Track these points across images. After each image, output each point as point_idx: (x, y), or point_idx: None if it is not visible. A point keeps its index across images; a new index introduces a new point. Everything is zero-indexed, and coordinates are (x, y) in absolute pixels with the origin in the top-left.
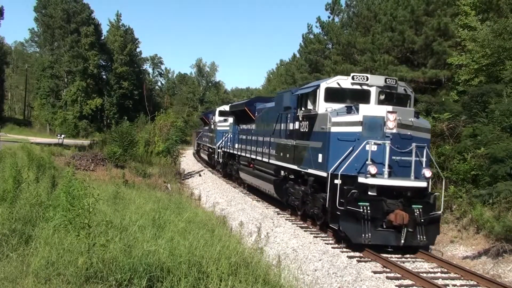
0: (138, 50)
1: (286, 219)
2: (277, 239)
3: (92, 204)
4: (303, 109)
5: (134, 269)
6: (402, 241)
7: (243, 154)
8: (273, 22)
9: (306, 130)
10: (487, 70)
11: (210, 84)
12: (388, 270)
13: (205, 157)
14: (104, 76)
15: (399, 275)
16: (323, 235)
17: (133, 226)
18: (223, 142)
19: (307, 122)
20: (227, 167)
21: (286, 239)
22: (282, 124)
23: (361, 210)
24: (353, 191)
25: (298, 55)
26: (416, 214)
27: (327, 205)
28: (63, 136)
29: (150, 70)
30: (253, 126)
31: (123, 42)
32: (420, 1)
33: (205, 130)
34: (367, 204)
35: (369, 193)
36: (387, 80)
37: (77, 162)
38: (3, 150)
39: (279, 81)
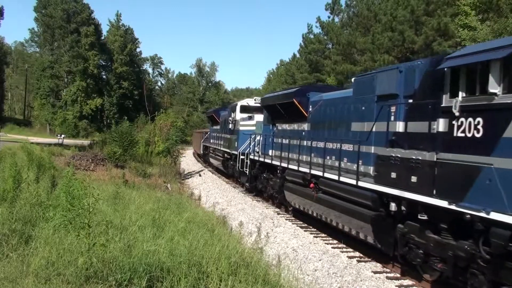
0: (138, 50)
1: (286, 219)
2: (277, 239)
3: (92, 204)
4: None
5: (134, 269)
6: None
7: (292, 166)
8: (273, 22)
9: (479, 135)
10: None
11: (210, 84)
12: (388, 270)
13: (217, 164)
14: (104, 76)
15: (399, 275)
16: (322, 235)
17: (133, 226)
18: (250, 147)
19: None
20: (258, 181)
21: (286, 239)
22: (380, 124)
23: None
24: None
25: (298, 55)
26: None
27: None
28: (63, 136)
29: (150, 70)
30: (306, 126)
31: (123, 42)
32: (420, 1)
33: (215, 131)
34: None
35: None
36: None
37: (77, 162)
38: (3, 150)
39: (279, 81)
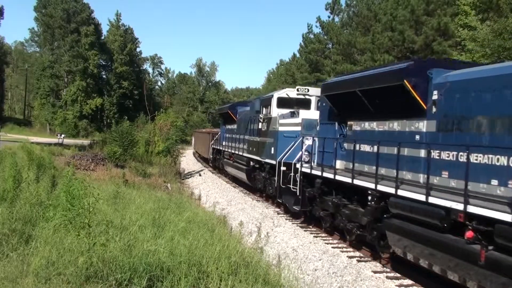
0: (138, 50)
1: (286, 219)
2: (277, 239)
3: (92, 204)
4: None
5: (134, 269)
6: None
7: (408, 194)
8: (273, 22)
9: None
10: None
11: (210, 84)
12: (388, 270)
13: (238, 174)
14: (104, 76)
15: (399, 275)
16: (322, 235)
17: (133, 225)
18: (303, 156)
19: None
20: (315, 205)
21: (286, 239)
22: None
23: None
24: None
25: (298, 55)
26: None
27: None
28: (63, 136)
29: (150, 70)
30: (424, 126)
31: (123, 42)
32: (420, 1)
33: (230, 131)
34: None
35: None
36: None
37: (77, 162)
38: (3, 150)
39: (279, 81)
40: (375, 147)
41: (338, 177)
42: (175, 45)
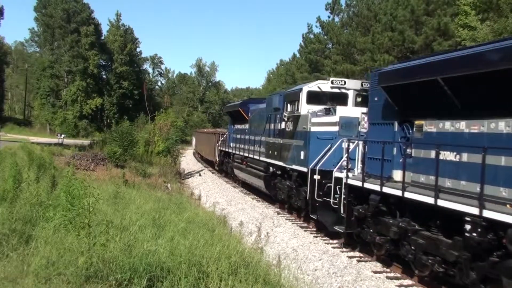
0: (138, 50)
1: (286, 219)
2: (277, 239)
3: (92, 204)
4: None
5: (134, 269)
6: None
7: None
8: (273, 22)
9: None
10: None
11: (210, 84)
12: (388, 270)
13: (252, 181)
14: (104, 76)
15: (399, 275)
16: (322, 235)
17: (133, 225)
18: (348, 164)
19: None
20: (367, 227)
21: (286, 239)
22: None
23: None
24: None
25: (298, 55)
26: None
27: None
28: (63, 136)
29: (150, 70)
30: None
31: (123, 42)
32: (420, 1)
33: (241, 131)
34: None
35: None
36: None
37: (77, 162)
38: (3, 150)
39: (279, 81)
40: (469, 156)
41: (410, 195)
42: (175, 45)
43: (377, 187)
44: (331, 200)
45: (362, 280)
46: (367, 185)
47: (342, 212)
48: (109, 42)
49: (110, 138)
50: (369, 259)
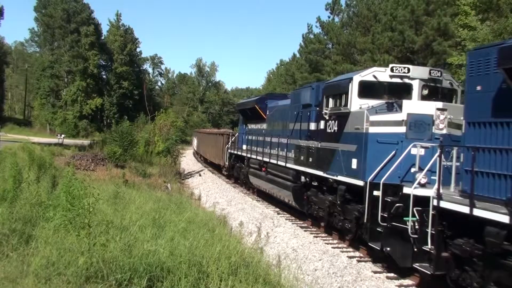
0: (138, 50)
1: (286, 219)
2: (277, 239)
3: (92, 204)
4: None
5: (134, 269)
6: None
7: None
8: (273, 22)
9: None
10: None
11: (210, 84)
12: (388, 270)
13: (276, 192)
14: (104, 76)
15: (399, 275)
16: (322, 235)
17: (133, 226)
18: (439, 177)
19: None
20: (499, 276)
21: (286, 239)
22: None
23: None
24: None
25: (298, 55)
26: None
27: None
28: (63, 136)
29: (150, 70)
30: None
31: (123, 42)
32: (420, 1)
33: (257, 132)
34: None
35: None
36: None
37: (77, 162)
38: (3, 150)
39: (279, 81)
40: None
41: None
42: (175, 45)
43: (504, 218)
44: (409, 228)
45: (362, 280)
46: (479, 213)
47: (430, 245)
48: (109, 42)
49: (110, 138)
50: (369, 259)
